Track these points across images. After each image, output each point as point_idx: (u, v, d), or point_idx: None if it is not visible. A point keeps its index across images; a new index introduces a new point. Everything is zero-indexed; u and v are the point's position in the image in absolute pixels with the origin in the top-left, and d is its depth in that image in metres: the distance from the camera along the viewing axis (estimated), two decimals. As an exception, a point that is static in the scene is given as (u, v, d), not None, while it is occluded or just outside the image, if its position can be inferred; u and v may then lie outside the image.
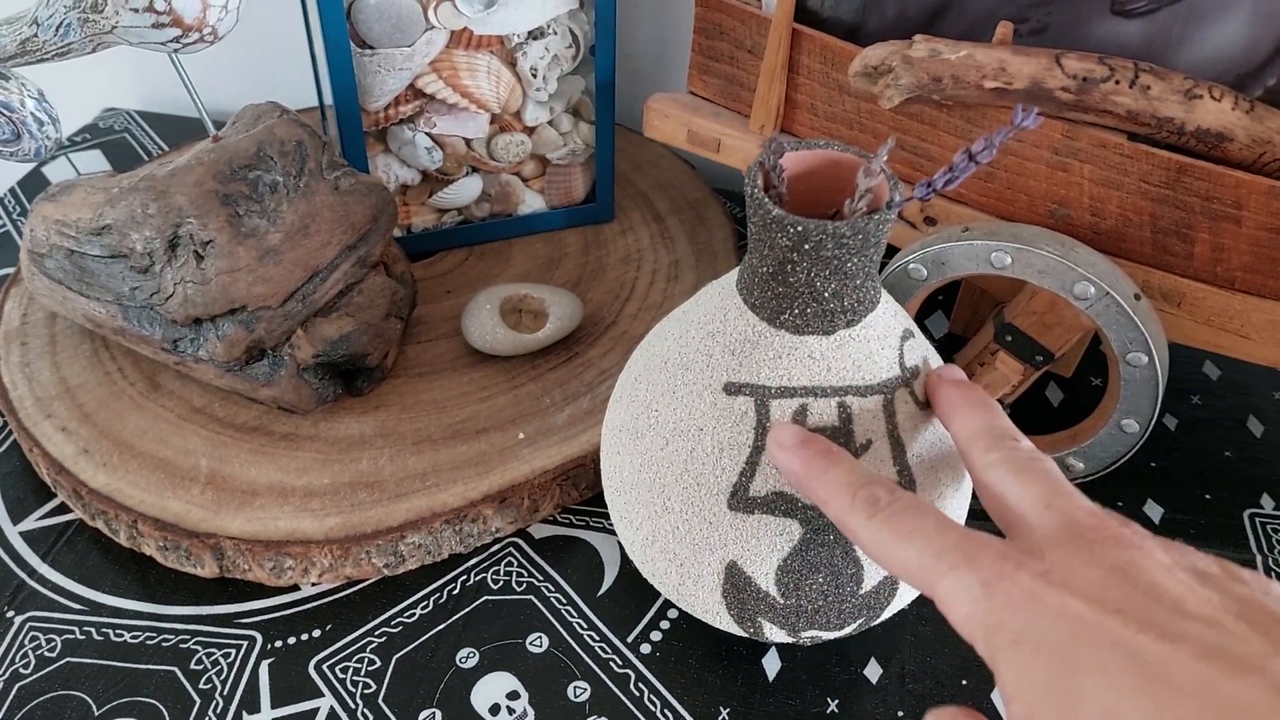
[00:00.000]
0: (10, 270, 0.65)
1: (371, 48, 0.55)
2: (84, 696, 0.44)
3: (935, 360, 0.43)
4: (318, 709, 0.44)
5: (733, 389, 0.40)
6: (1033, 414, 0.58)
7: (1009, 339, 0.51)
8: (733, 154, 0.56)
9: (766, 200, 0.37)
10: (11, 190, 0.72)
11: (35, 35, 0.48)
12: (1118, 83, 0.46)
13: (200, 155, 0.52)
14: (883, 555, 0.33)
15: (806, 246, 0.37)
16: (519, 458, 0.52)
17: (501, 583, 0.49)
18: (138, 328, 0.52)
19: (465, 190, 0.62)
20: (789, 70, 0.53)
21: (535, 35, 0.58)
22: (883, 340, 0.40)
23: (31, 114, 0.53)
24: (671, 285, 0.62)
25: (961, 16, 0.52)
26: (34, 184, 0.72)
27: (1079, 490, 0.32)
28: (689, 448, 0.41)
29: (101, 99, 0.82)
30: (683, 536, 0.42)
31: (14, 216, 0.70)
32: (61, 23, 0.46)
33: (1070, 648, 0.27)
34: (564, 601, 0.48)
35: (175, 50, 0.47)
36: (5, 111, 0.53)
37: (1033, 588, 0.28)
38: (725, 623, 0.43)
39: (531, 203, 0.65)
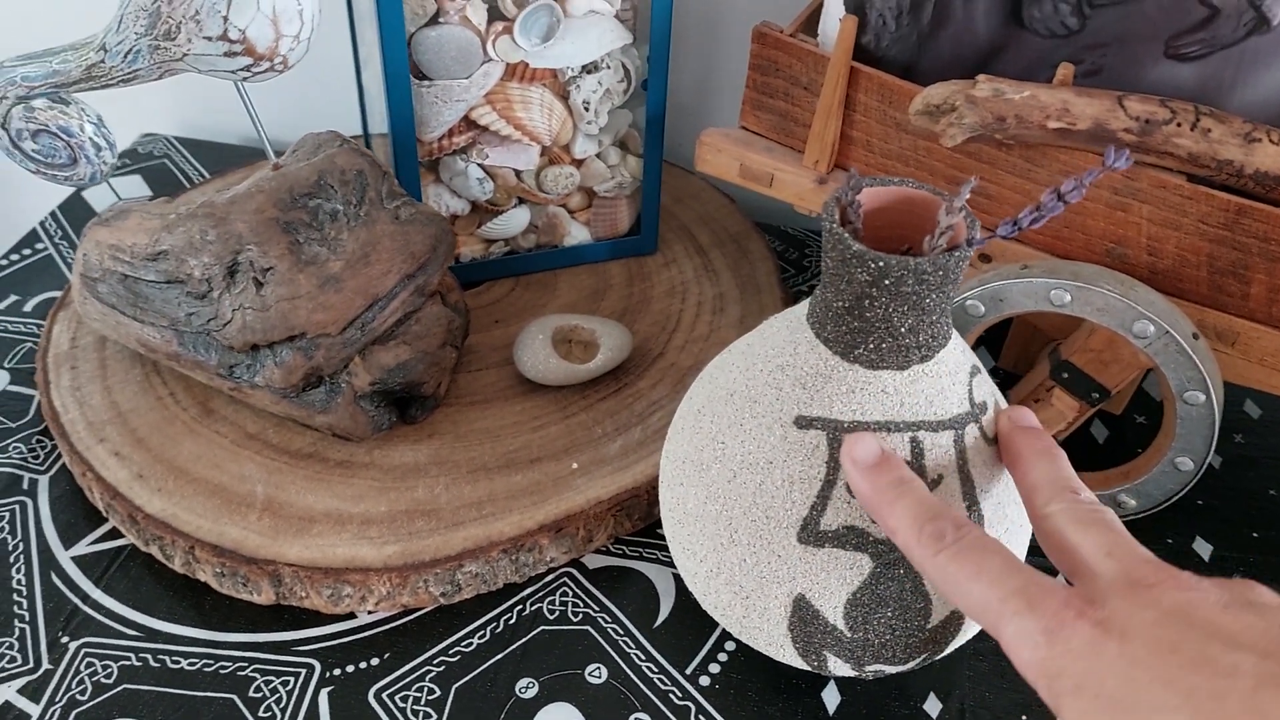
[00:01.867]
0: (53, 294, 0.65)
1: (429, 79, 0.56)
2: (142, 724, 0.44)
3: (998, 396, 0.44)
4: (379, 739, 0.44)
5: (804, 422, 0.40)
6: (1078, 450, 0.58)
7: (1065, 376, 0.51)
8: (785, 189, 0.56)
9: (846, 235, 0.37)
10: (53, 214, 0.72)
11: (102, 61, 0.48)
12: (1179, 125, 0.47)
13: (260, 183, 0.53)
14: (948, 590, 0.34)
15: (886, 282, 0.37)
16: (573, 488, 0.52)
17: (558, 613, 0.49)
18: (193, 353, 0.53)
19: (514, 221, 0.63)
20: (845, 107, 0.54)
21: (589, 69, 0.59)
22: (953, 376, 0.41)
23: (90, 139, 0.54)
24: (717, 318, 0.63)
25: (1017, 58, 0.53)
26: (75, 208, 0.73)
27: (1137, 541, 0.33)
28: (758, 480, 0.41)
29: (140, 124, 0.82)
30: (750, 569, 0.42)
31: (55, 240, 0.70)
32: (131, 49, 0.47)
33: (1128, 691, 0.28)
34: (621, 632, 0.48)
35: (244, 79, 0.47)
36: (64, 136, 0.53)
37: (1093, 636, 0.30)
38: (788, 656, 0.43)
39: (577, 234, 0.65)
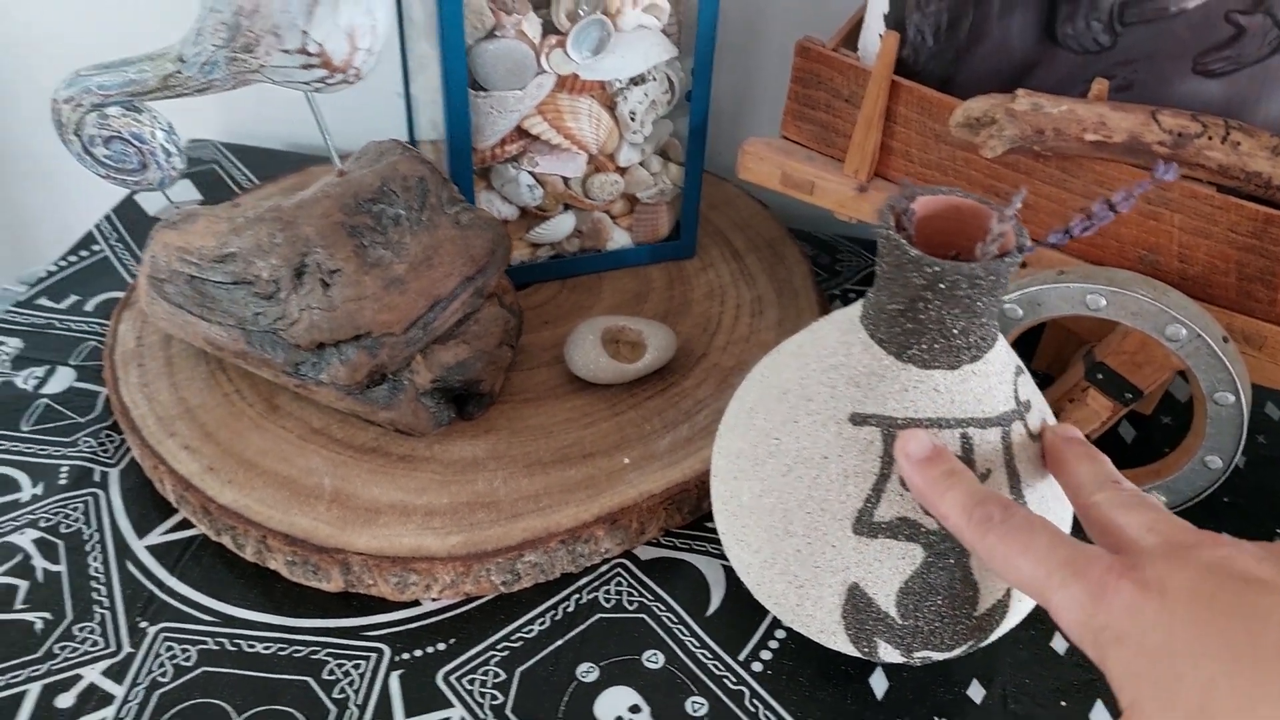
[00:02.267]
0: (113, 294, 0.67)
1: (485, 90, 0.58)
2: (224, 705, 0.46)
3: (1038, 396, 0.46)
4: (449, 718, 0.46)
5: (859, 419, 0.42)
6: (1108, 450, 0.60)
7: (1100, 377, 0.53)
8: (826, 196, 0.59)
9: (903, 241, 0.40)
10: (107, 217, 0.74)
11: (179, 71, 0.50)
12: (1210, 138, 0.49)
13: (326, 188, 0.55)
14: (1000, 568, 0.36)
15: (941, 286, 0.39)
16: (626, 482, 0.54)
17: (613, 601, 0.51)
18: (260, 351, 0.55)
19: (560, 226, 0.65)
20: (885, 119, 0.56)
21: (636, 81, 0.61)
22: (1000, 375, 0.43)
23: (161, 145, 0.56)
24: (756, 320, 0.65)
25: (1050, 73, 0.55)
26: (129, 211, 0.75)
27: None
28: (813, 474, 0.43)
29: (188, 129, 0.84)
30: (805, 559, 0.44)
31: (111, 242, 0.72)
32: (209, 61, 0.49)
33: (1168, 638, 0.31)
34: (675, 620, 0.50)
35: (316, 90, 0.50)
36: (136, 142, 0.56)
37: (1134, 594, 0.32)
38: (840, 643, 0.45)
39: (619, 239, 0.67)
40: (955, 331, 0.41)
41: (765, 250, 0.71)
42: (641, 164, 0.65)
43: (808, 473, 0.43)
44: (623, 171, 0.65)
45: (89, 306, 0.66)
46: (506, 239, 0.56)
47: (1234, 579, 0.31)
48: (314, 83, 0.49)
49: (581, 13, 0.57)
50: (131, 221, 0.73)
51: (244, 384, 0.58)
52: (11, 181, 0.98)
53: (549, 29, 0.58)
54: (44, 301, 0.66)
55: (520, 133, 0.61)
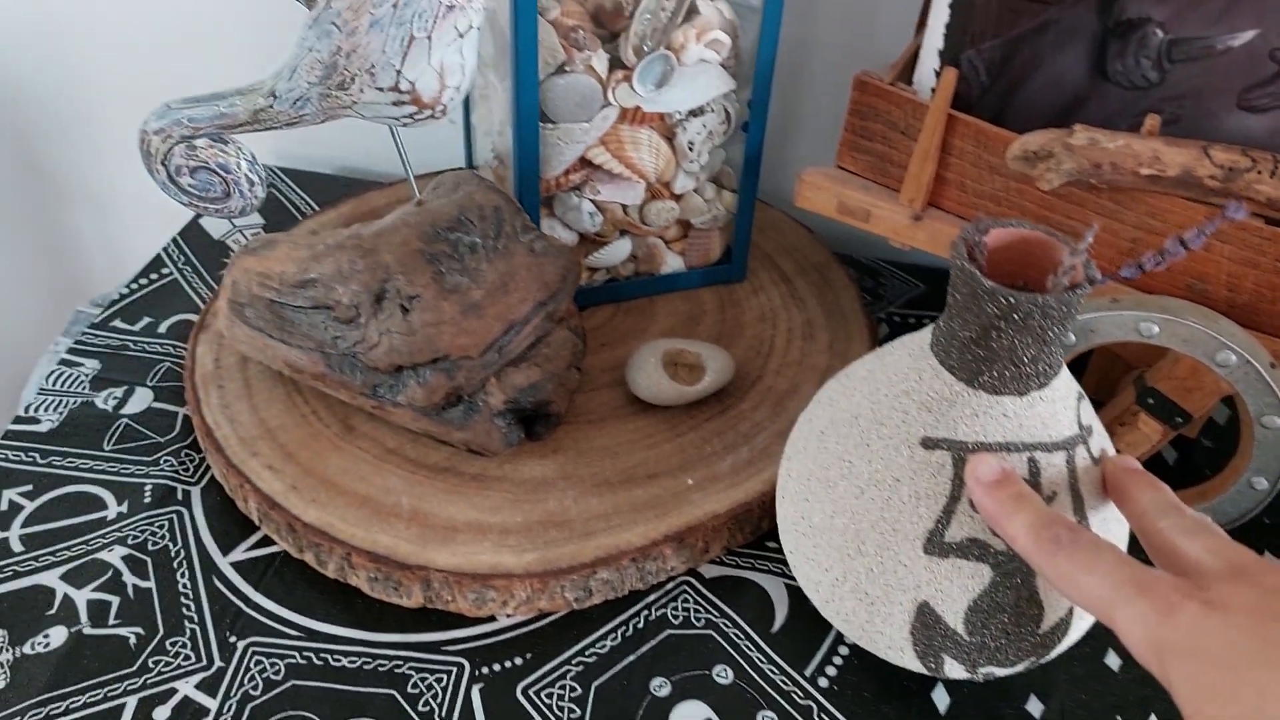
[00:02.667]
0: (184, 315, 0.69)
1: (554, 122, 0.60)
2: (313, 717, 0.48)
3: (1097, 421, 0.47)
4: (532, 731, 0.48)
5: (930, 443, 0.44)
6: (1152, 471, 0.62)
7: (1150, 401, 0.55)
8: (882, 224, 0.60)
9: (978, 274, 0.41)
10: (174, 240, 0.76)
11: (271, 106, 0.53)
12: (1259, 172, 0.51)
13: (405, 217, 0.57)
14: (1066, 588, 0.38)
15: (1015, 316, 0.41)
16: (691, 502, 0.56)
17: (681, 618, 0.53)
18: (339, 374, 0.57)
19: (617, 251, 0.67)
20: (941, 150, 0.58)
21: (695, 113, 0.63)
22: (1064, 400, 0.45)
23: (245, 175, 0.58)
24: (808, 344, 0.67)
25: (1100, 107, 0.57)
26: (194, 234, 0.77)
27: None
28: (885, 496, 0.45)
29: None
30: (876, 578, 0.46)
31: (179, 265, 0.74)
32: (302, 97, 0.51)
33: (1231, 652, 0.32)
34: (741, 636, 0.52)
35: (404, 125, 0.52)
36: (222, 172, 0.58)
37: (1199, 612, 0.34)
38: (907, 659, 0.47)
39: (672, 263, 0.69)
40: (1025, 359, 0.43)
41: (813, 274, 0.73)
42: (696, 191, 0.67)
43: (880, 494, 0.45)
44: (678, 198, 0.67)
45: (162, 328, 0.68)
46: (577, 265, 0.58)
47: None
48: (402, 118, 0.51)
49: (647, 48, 0.59)
50: (198, 245, 0.75)
51: (320, 405, 0.60)
52: (62, 208, 1.00)
53: (615, 64, 0.60)
54: (118, 324, 0.68)
55: (583, 162, 0.63)
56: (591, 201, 0.64)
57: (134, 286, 0.72)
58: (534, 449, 0.58)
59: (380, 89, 0.49)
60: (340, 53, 0.48)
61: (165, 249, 0.75)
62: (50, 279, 1.04)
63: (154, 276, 0.73)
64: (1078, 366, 0.67)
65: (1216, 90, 0.55)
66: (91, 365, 0.65)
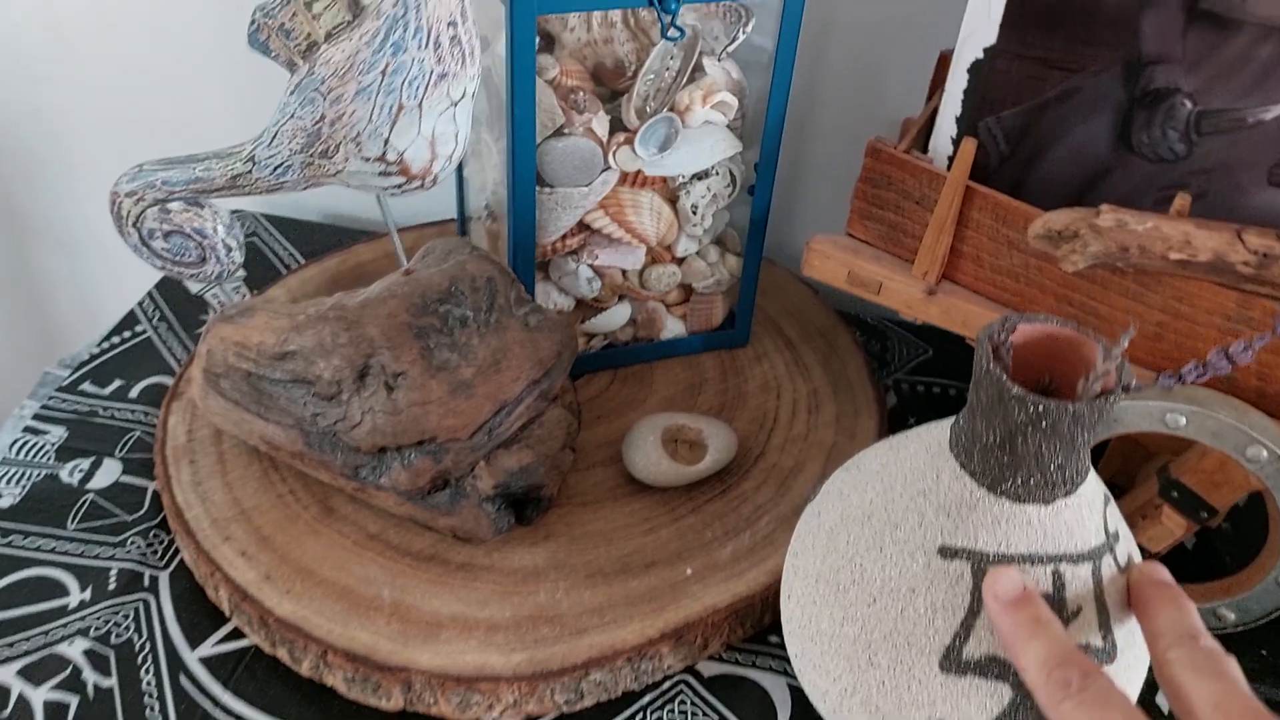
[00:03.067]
0: (158, 379, 0.66)
1: (551, 186, 0.57)
2: (283, 834, 0.44)
3: (1124, 525, 0.45)
4: None
5: (949, 553, 0.42)
6: (1169, 557, 0.59)
7: (1175, 495, 0.53)
8: (894, 297, 0.58)
9: (1004, 379, 0.39)
10: (149, 295, 0.73)
11: (250, 172, 0.50)
12: (1296, 259, 0.48)
13: (392, 288, 0.54)
14: None
15: (1043, 423, 0.39)
16: (690, 594, 0.53)
17: (680, 722, 0.50)
18: (319, 453, 0.54)
19: (616, 317, 0.64)
20: (957, 222, 0.55)
21: (699, 176, 0.60)
22: (1091, 505, 0.42)
23: (221, 240, 0.55)
24: (813, 416, 0.64)
25: (1124, 180, 0.55)
26: (169, 288, 0.74)
27: (1249, 691, 0.35)
28: (899, 607, 0.42)
29: (227, 202, 0.84)
30: (888, 693, 0.43)
31: (154, 322, 0.71)
32: (283, 164, 0.48)
33: None
34: (744, 744, 0.49)
35: (393, 194, 0.49)
36: (197, 237, 0.55)
37: None
38: (921, 776, 0.44)
39: (673, 328, 0.67)
40: (1052, 467, 0.40)
41: (818, 339, 0.70)
42: (698, 254, 0.64)
43: (894, 604, 0.42)
44: (679, 262, 0.64)
45: (133, 392, 0.65)
46: (573, 340, 0.55)
47: None
48: (390, 188, 0.48)
49: (650, 109, 0.56)
50: (175, 300, 0.73)
51: (298, 484, 0.57)
52: (42, 256, 0.97)
53: (616, 126, 0.57)
54: (88, 387, 0.65)
55: (581, 226, 0.60)
56: (589, 266, 0.62)
57: (105, 346, 0.69)
58: (524, 534, 0.55)
59: (366, 159, 0.46)
60: (324, 120, 0.45)
61: (140, 303, 0.72)
62: (22, 327, 1.01)
63: (126, 334, 0.70)
64: (1096, 451, 0.64)
65: (1246, 164, 0.53)
66: (58, 433, 0.62)
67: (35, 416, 0.63)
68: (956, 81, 0.56)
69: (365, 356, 0.53)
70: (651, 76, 0.56)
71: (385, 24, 0.42)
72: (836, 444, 0.62)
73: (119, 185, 0.54)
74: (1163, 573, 0.42)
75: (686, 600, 0.52)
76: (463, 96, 0.45)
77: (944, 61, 0.65)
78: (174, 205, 0.54)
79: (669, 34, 0.51)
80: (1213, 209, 0.54)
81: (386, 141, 0.45)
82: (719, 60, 0.58)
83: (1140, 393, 0.39)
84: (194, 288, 0.73)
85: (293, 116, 0.46)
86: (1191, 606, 0.40)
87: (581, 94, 0.55)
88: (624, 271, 0.63)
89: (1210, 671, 0.36)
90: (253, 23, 0.45)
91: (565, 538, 0.55)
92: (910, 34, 0.70)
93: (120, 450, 0.61)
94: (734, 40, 0.55)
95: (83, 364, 0.67)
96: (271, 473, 0.58)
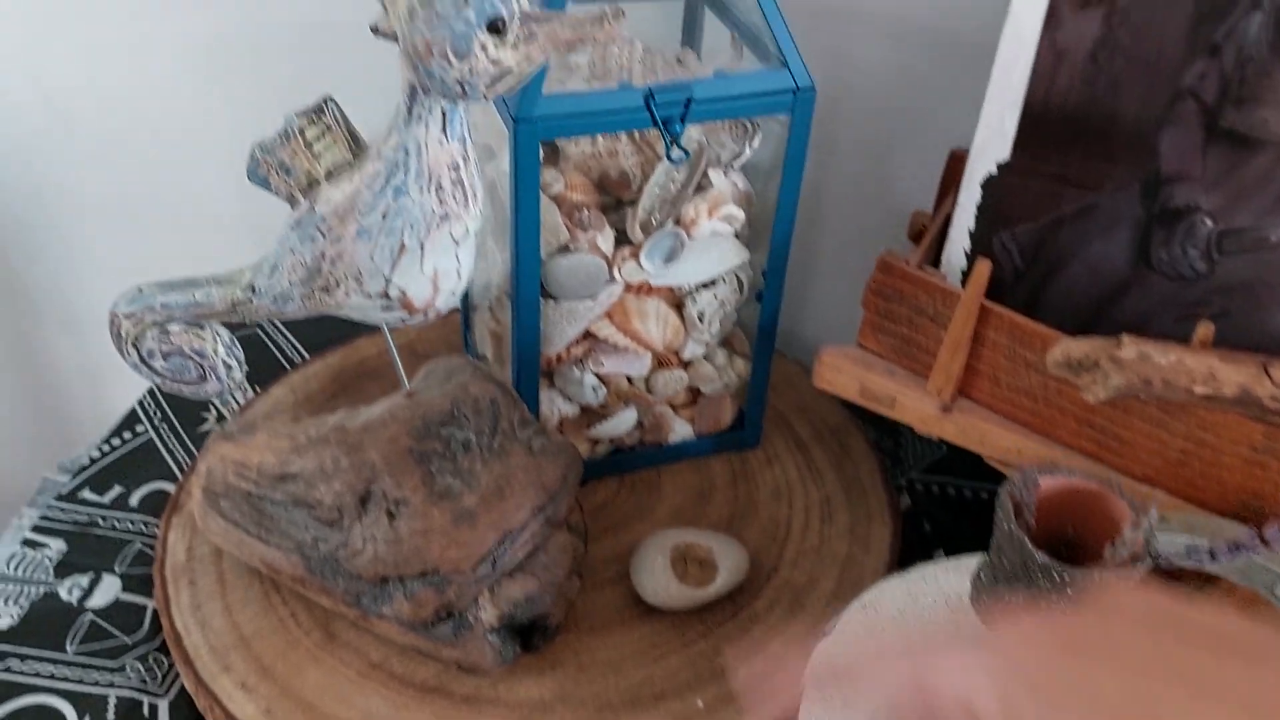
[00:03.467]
0: (159, 484, 0.66)
1: (556, 299, 0.56)
2: None
3: None
4: None
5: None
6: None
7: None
8: (908, 413, 0.57)
9: (1028, 545, 0.38)
10: (150, 392, 0.73)
11: (250, 300, 0.49)
12: (1324, 391, 0.47)
13: (394, 411, 0.53)
14: None
15: (1069, 591, 0.37)
16: (700, 727, 0.51)
17: None
18: (320, 579, 0.53)
19: (622, 423, 0.63)
20: (972, 340, 0.54)
21: (706, 284, 0.60)
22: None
23: (222, 360, 0.55)
24: (827, 526, 0.63)
25: (1142, 298, 0.54)
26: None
27: None
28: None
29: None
30: None
31: (155, 421, 0.70)
32: (283, 295, 0.48)
33: None
34: None
35: (394, 326, 0.48)
36: (197, 357, 0.54)
37: None
38: None
39: (680, 431, 0.66)
40: (1076, 630, 0.39)
41: (830, 440, 0.69)
42: (706, 358, 0.63)
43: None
44: (686, 365, 0.63)
45: (134, 500, 0.64)
46: (579, 463, 0.54)
47: None
48: (392, 321, 0.47)
49: (655, 221, 0.56)
50: (176, 399, 0.72)
51: (300, 607, 0.56)
52: (48, 337, 0.97)
53: (621, 239, 0.57)
54: (87, 495, 0.65)
55: (586, 334, 0.59)
56: (595, 374, 0.61)
57: (105, 449, 0.68)
58: (530, 664, 0.54)
59: (368, 295, 0.46)
60: (324, 258, 0.45)
61: (140, 402, 0.72)
62: (27, 413, 1.00)
63: (127, 435, 0.69)
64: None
65: (1269, 284, 0.52)
66: (57, 547, 0.61)
67: (35, 529, 0.62)
68: (969, 194, 0.55)
69: (367, 482, 0.52)
70: (657, 189, 0.55)
71: (387, 167, 0.42)
72: (851, 555, 0.61)
73: (117, 307, 0.53)
74: None
75: (697, 734, 0.51)
76: (465, 235, 0.44)
77: (955, 160, 0.65)
78: (173, 327, 0.53)
79: (672, 156, 0.51)
80: (1235, 328, 0.53)
81: (388, 280, 0.45)
82: (725, 173, 0.57)
83: (1165, 564, 0.38)
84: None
85: (293, 251, 0.45)
86: None
87: (586, 211, 0.54)
88: (629, 378, 0.62)
89: None
90: (252, 158, 0.45)
91: (572, 666, 0.54)
92: (919, 125, 0.69)
93: (120, 565, 0.60)
94: (741, 155, 0.54)
95: (82, 468, 0.66)
96: (273, 594, 0.57)
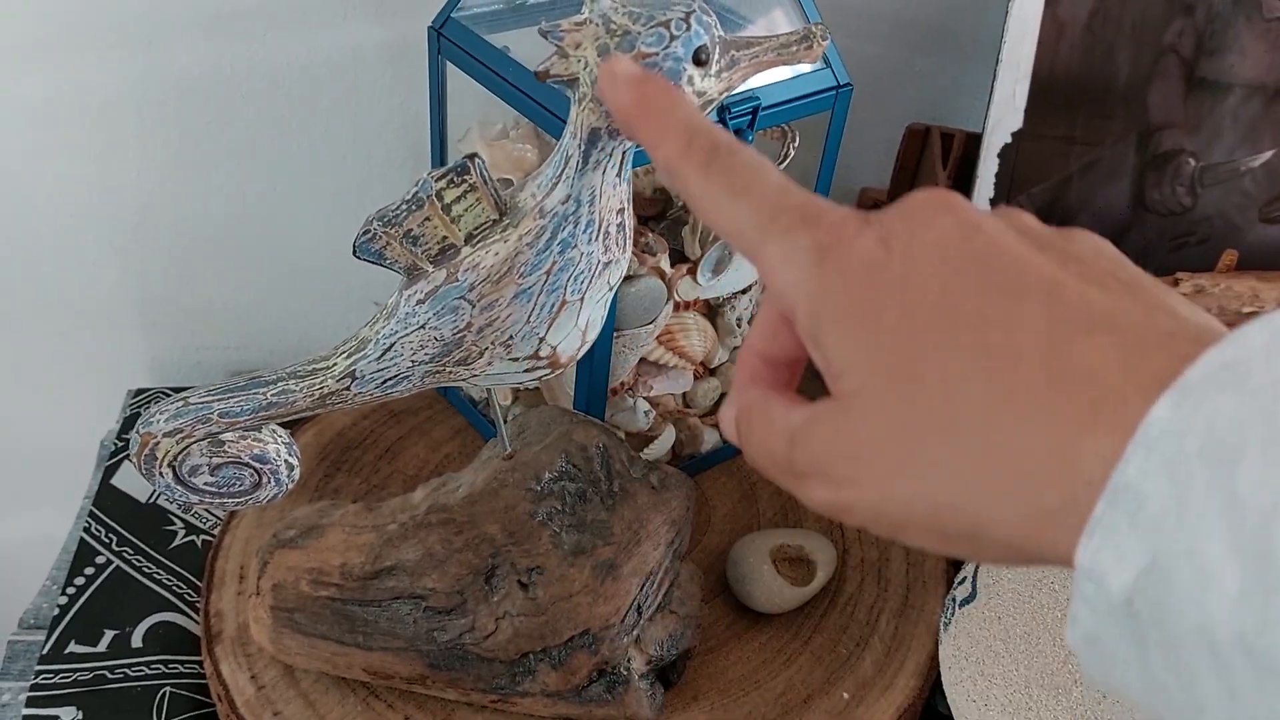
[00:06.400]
0: (161, 616, 0.58)
1: (620, 330, 0.56)
2: None
3: None
4: None
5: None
6: None
7: None
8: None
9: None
10: (91, 515, 0.64)
11: (347, 389, 0.45)
12: (1328, 293, 0.56)
13: (500, 477, 0.51)
14: (712, 211, 0.29)
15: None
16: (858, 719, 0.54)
17: None
18: (446, 672, 0.50)
19: (667, 441, 0.64)
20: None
21: (744, 290, 0.61)
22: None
23: (285, 461, 0.50)
24: (870, 499, 0.66)
25: (1141, 235, 0.61)
26: (110, 503, 0.65)
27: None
28: (1133, 697, 0.46)
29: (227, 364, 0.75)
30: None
31: (114, 547, 0.62)
32: (398, 376, 0.44)
33: (911, 319, 0.24)
34: None
35: (518, 384, 0.46)
36: (257, 464, 0.49)
37: (873, 255, 0.25)
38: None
39: (710, 439, 0.67)
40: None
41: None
42: (730, 361, 0.65)
43: (1126, 697, 0.46)
44: (713, 373, 0.65)
45: (136, 641, 0.57)
46: (693, 489, 0.54)
47: (985, 256, 0.24)
48: (526, 381, 0.45)
49: (710, 236, 0.56)
50: (120, 514, 0.64)
51: (410, 707, 0.52)
52: None
53: (675, 258, 0.57)
54: (76, 649, 0.56)
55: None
56: (645, 399, 0.61)
57: (70, 591, 0.59)
58: (674, 701, 0.54)
59: (515, 359, 0.44)
60: (470, 328, 0.42)
61: (86, 529, 0.63)
62: None
63: (89, 571, 0.61)
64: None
65: (1240, 207, 0.61)
66: (69, 715, 0.53)
67: (31, 703, 0.54)
68: (987, 166, 0.60)
69: (489, 558, 0.50)
70: (701, 200, 0.56)
71: (553, 222, 0.40)
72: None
73: (153, 426, 0.47)
74: (629, 66, 0.31)
75: (859, 728, 0.53)
76: (620, 279, 0.43)
77: (912, 135, 0.70)
78: (228, 436, 0.48)
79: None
80: (1214, 250, 0.62)
81: (542, 339, 0.43)
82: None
83: None
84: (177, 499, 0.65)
85: (423, 327, 0.42)
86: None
87: (650, 236, 0.54)
88: (672, 397, 0.63)
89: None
90: (367, 232, 0.41)
91: (713, 692, 0.55)
92: (869, 106, 0.74)
93: (161, 717, 0.54)
94: (785, 158, 0.56)
95: (54, 620, 0.58)
96: (375, 702, 0.53)
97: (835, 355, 0.25)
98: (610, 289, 0.43)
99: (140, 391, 0.74)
